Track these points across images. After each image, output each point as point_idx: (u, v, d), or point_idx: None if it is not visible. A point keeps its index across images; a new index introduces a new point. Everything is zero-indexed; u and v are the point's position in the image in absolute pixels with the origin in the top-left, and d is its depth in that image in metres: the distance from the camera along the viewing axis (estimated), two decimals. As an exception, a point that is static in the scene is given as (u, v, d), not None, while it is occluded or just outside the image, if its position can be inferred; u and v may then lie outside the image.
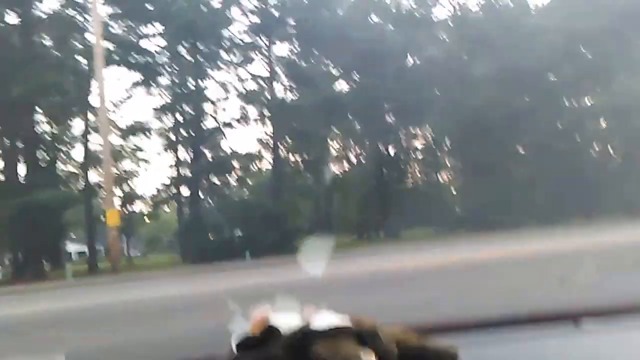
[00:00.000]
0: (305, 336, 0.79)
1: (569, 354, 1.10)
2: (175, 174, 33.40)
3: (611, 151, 35.62)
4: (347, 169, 39.52)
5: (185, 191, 33.21)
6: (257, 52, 34.32)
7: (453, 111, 30.17)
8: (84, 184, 30.96)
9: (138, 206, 37.96)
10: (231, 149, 34.45)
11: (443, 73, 31.46)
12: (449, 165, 40.51)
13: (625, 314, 1.23)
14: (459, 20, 34.66)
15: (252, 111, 34.71)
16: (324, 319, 0.82)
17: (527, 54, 29.08)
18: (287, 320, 0.85)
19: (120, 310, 8.05)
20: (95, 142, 29.58)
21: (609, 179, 30.47)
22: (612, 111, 30.64)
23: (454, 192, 41.08)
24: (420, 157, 40.50)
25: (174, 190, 33.71)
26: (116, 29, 29.80)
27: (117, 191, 32.20)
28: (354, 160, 39.89)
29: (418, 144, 39.90)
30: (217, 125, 33.60)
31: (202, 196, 32.98)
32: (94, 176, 31.01)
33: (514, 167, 33.31)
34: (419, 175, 41.49)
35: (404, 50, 33.99)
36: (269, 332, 0.83)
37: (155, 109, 32.76)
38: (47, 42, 28.89)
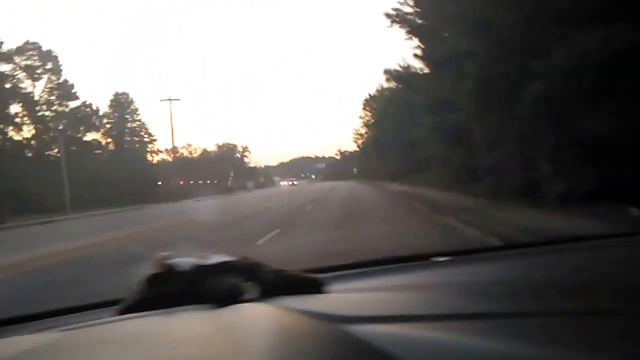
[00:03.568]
0: (200, 272, 0.96)
1: (425, 280, 1.43)
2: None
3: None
4: None
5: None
6: None
7: None
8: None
9: None
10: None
11: None
12: None
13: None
14: None
15: None
16: (215, 259, 0.99)
17: None
18: (184, 262, 0.99)
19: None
20: None
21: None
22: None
23: None
24: None
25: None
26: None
27: None
28: None
29: None
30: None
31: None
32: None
33: None
34: None
35: None
36: (170, 270, 0.97)
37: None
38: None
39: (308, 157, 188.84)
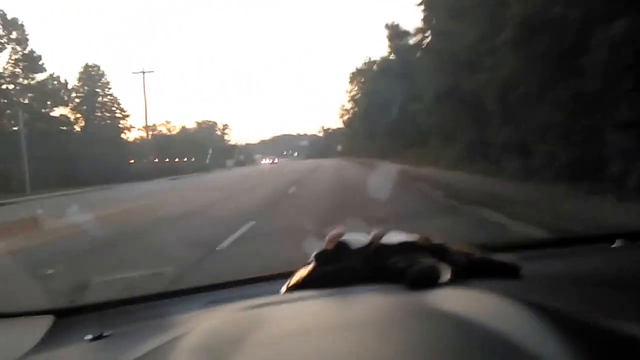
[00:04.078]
0: (380, 250, 0.90)
1: (606, 265, 1.29)
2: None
3: None
4: None
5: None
6: None
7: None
8: None
9: None
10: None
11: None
12: None
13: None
14: None
15: None
16: (395, 237, 0.92)
17: None
18: (358, 239, 0.94)
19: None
20: None
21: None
22: None
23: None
24: None
25: None
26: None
27: None
28: None
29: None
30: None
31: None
32: None
33: None
34: None
35: None
36: (343, 248, 0.92)
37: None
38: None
39: (290, 135, 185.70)
